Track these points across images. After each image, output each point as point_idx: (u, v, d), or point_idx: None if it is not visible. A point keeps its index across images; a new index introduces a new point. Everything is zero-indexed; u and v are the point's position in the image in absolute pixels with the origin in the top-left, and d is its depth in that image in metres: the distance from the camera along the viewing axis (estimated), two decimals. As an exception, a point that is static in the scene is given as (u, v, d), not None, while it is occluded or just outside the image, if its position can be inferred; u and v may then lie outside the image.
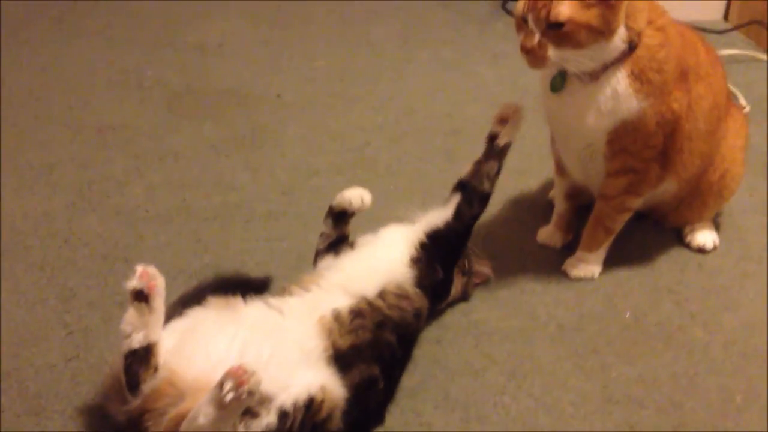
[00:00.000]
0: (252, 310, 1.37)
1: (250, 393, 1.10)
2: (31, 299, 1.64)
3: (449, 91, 2.62)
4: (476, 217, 1.61)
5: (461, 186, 1.61)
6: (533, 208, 2.02)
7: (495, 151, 1.60)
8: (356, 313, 1.40)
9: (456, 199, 1.60)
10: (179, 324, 1.31)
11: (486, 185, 1.60)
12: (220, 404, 1.09)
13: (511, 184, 2.08)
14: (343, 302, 1.41)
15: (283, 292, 1.45)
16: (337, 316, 1.38)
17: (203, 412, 1.10)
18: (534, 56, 1.50)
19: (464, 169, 1.63)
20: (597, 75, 1.54)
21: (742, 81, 2.58)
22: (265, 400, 1.17)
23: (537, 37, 1.49)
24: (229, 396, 1.08)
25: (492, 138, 1.61)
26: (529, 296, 1.73)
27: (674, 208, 1.85)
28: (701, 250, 1.87)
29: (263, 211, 1.96)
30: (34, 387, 1.44)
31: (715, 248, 1.88)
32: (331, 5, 3.27)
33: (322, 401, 1.23)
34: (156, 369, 1.22)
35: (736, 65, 2.77)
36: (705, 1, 3.21)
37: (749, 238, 1.93)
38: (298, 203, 2.00)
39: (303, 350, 1.30)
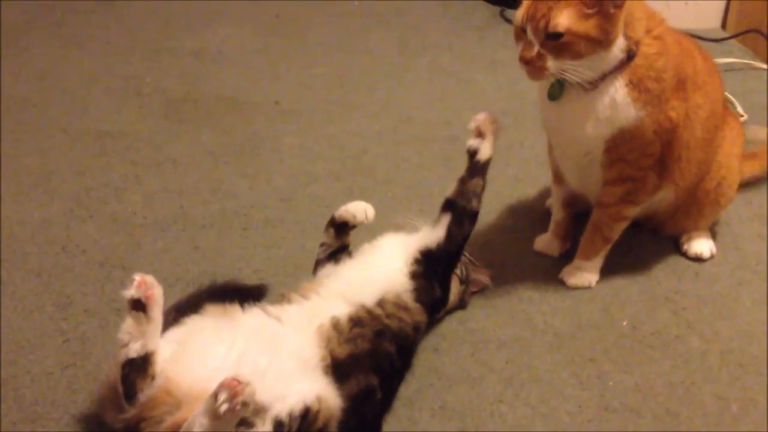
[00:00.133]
0: (250, 318, 1.37)
1: (245, 404, 1.09)
2: (28, 306, 1.64)
3: (447, 99, 2.62)
4: (467, 236, 1.59)
5: (450, 205, 1.58)
6: (530, 216, 2.02)
7: (477, 168, 1.58)
8: (355, 321, 1.40)
9: (446, 219, 1.57)
10: (176, 332, 1.31)
11: (474, 203, 1.58)
12: (214, 415, 1.09)
13: (509, 192, 2.09)
14: (342, 310, 1.41)
15: (282, 299, 1.45)
16: (335, 324, 1.38)
17: (198, 422, 1.10)
18: (533, 67, 1.51)
19: (450, 187, 1.60)
20: (595, 84, 1.55)
21: (739, 89, 2.59)
22: (260, 411, 1.16)
23: (536, 47, 1.49)
24: (224, 407, 1.08)
25: (472, 154, 1.58)
26: (526, 304, 1.73)
27: (671, 216, 1.85)
28: (698, 259, 1.87)
29: (261, 218, 1.96)
30: (30, 394, 1.43)
31: (712, 257, 1.88)
32: (330, 13, 3.28)
33: (318, 411, 1.23)
34: (153, 378, 1.22)
35: (734, 74, 2.78)
36: (703, 10, 3.22)
37: (746, 247, 1.93)
38: (296, 210, 2.00)
39: (300, 359, 1.30)
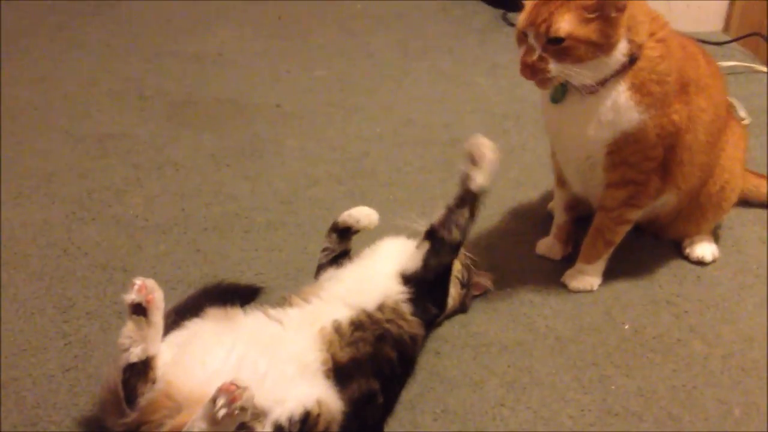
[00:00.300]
0: (251, 321, 1.37)
1: (243, 408, 1.09)
2: (29, 309, 1.64)
3: (448, 102, 2.62)
4: (447, 265, 1.55)
5: (431, 234, 1.52)
6: (532, 219, 2.02)
7: (468, 196, 1.50)
8: (356, 325, 1.39)
9: (425, 248, 1.52)
10: (177, 336, 1.31)
11: (455, 234, 1.51)
12: (212, 420, 1.09)
13: (511, 195, 2.08)
14: (344, 314, 1.41)
15: (284, 302, 1.45)
16: (337, 328, 1.37)
17: (197, 427, 1.10)
18: (535, 71, 1.51)
19: (437, 213, 1.54)
20: (597, 87, 1.55)
21: (741, 93, 2.59)
22: (259, 415, 1.16)
23: (537, 52, 1.49)
24: (222, 412, 1.08)
25: (464, 181, 1.50)
26: (528, 308, 1.72)
27: (673, 220, 1.85)
28: (700, 263, 1.87)
29: (262, 221, 1.96)
30: (31, 397, 1.43)
31: (714, 260, 1.87)
32: (331, 15, 3.28)
33: (319, 415, 1.22)
34: (154, 381, 1.22)
35: (736, 77, 2.78)
36: (705, 13, 3.22)
37: (748, 251, 1.93)
38: (298, 213, 2.00)
39: (301, 363, 1.30)
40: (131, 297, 1.22)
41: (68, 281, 1.72)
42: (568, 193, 1.83)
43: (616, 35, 1.48)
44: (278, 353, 1.29)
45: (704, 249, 1.88)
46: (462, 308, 1.67)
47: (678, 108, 1.60)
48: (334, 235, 1.61)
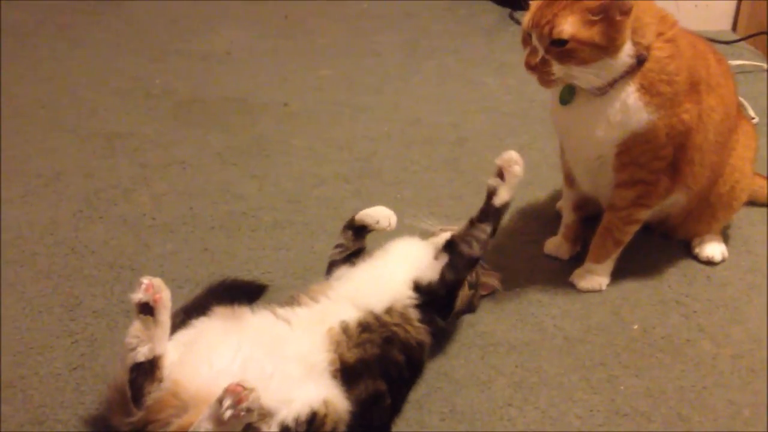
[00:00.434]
0: (258, 320, 1.36)
1: (249, 410, 1.09)
2: (36, 307, 1.64)
3: (455, 101, 2.62)
4: (461, 281, 1.54)
5: (450, 247, 1.51)
6: (540, 219, 2.01)
7: (491, 211, 1.51)
8: (364, 326, 1.39)
9: (443, 261, 1.50)
10: (184, 335, 1.31)
11: (475, 249, 1.50)
12: (219, 420, 1.09)
13: (519, 194, 2.05)
14: (352, 315, 1.40)
15: (292, 302, 1.44)
16: (345, 329, 1.37)
17: (203, 427, 1.10)
18: (539, 73, 1.50)
19: (460, 226, 1.55)
20: (606, 88, 1.54)
21: (750, 92, 2.58)
22: (266, 415, 1.16)
23: (541, 53, 1.48)
24: (228, 413, 1.08)
25: (490, 195, 1.51)
26: (536, 308, 1.72)
27: (683, 220, 1.84)
28: (710, 262, 1.86)
29: (269, 219, 1.96)
30: (38, 396, 1.43)
31: (723, 260, 1.87)
32: (338, 14, 3.28)
33: (326, 415, 1.22)
34: (161, 381, 1.22)
35: (745, 76, 2.77)
36: (713, 12, 3.21)
37: (758, 250, 1.92)
38: (305, 212, 2.00)
39: (308, 363, 1.29)
40: (138, 296, 1.22)
41: (75, 280, 1.72)
42: (577, 192, 1.82)
43: (621, 38, 1.47)
44: (285, 353, 1.28)
45: (714, 249, 1.87)
46: (470, 308, 1.66)
47: (688, 107, 1.59)
48: (349, 232, 1.59)
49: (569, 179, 1.82)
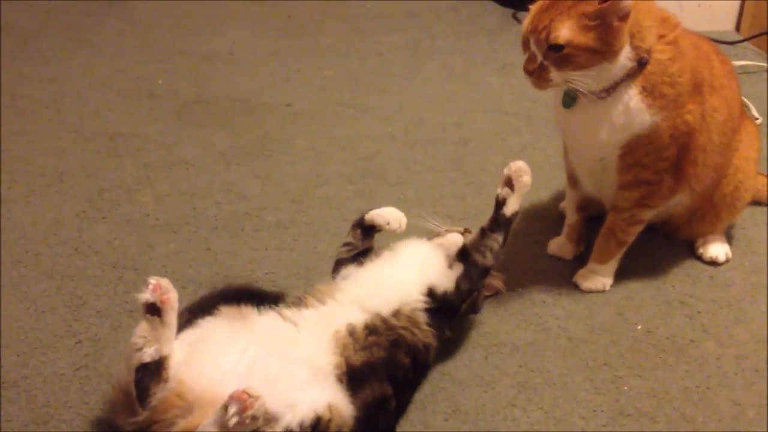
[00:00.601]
0: (265, 321, 1.36)
1: (254, 417, 1.09)
2: (40, 307, 1.64)
3: (459, 101, 2.62)
4: (474, 291, 1.54)
5: (464, 255, 1.52)
6: (544, 219, 2.01)
7: (501, 221, 1.52)
8: (371, 329, 1.38)
9: (458, 270, 1.51)
10: (190, 334, 1.30)
11: (488, 259, 1.51)
12: (223, 427, 1.09)
13: (522, 194, 2.07)
14: (358, 317, 1.39)
15: (299, 303, 1.43)
16: (352, 331, 1.36)
17: None
18: (536, 78, 1.50)
19: (465, 226, 1.59)
20: (608, 92, 1.53)
21: (753, 92, 2.58)
22: (270, 420, 1.15)
23: (539, 58, 1.48)
24: (233, 420, 1.08)
25: (499, 205, 1.52)
26: (540, 308, 1.72)
27: (686, 220, 1.84)
28: (714, 263, 1.86)
29: (273, 220, 1.96)
30: (42, 396, 1.43)
31: (727, 261, 1.86)
32: (341, 15, 3.28)
33: (330, 420, 1.21)
34: (166, 381, 1.21)
35: (748, 76, 2.76)
36: (716, 12, 3.20)
37: (761, 251, 1.92)
38: (308, 212, 2.00)
39: (313, 366, 1.29)
40: (145, 297, 1.22)
41: (79, 280, 1.72)
42: (580, 192, 1.82)
43: (618, 43, 1.46)
44: (291, 355, 1.28)
45: (717, 249, 1.86)
46: (474, 309, 1.66)
47: (691, 108, 1.59)
48: (358, 231, 1.59)
49: (573, 180, 1.82)
